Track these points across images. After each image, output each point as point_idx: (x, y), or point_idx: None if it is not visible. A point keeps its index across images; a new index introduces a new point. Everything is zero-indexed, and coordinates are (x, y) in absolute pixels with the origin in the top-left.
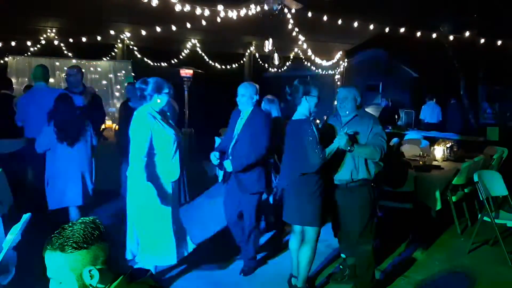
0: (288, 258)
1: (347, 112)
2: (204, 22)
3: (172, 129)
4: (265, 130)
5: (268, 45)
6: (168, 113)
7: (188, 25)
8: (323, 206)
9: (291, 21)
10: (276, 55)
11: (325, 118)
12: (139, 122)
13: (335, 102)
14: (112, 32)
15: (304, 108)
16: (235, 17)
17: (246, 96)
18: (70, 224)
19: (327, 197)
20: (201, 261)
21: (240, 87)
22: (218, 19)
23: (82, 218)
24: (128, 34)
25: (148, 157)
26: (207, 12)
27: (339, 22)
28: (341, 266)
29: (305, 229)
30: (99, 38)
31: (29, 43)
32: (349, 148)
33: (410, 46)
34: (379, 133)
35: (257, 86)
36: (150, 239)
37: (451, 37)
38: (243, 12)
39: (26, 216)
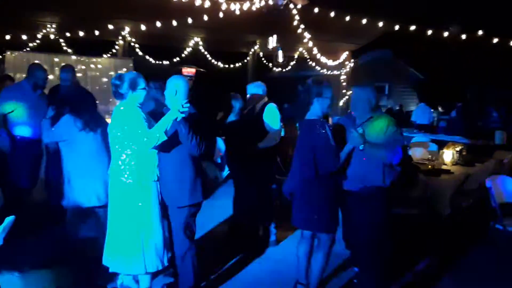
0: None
1: (360, 114)
2: (206, 17)
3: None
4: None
5: (272, 41)
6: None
7: (190, 20)
8: (336, 211)
9: (297, 17)
10: (280, 52)
11: (330, 120)
12: (128, 110)
13: (341, 103)
14: (113, 29)
15: (316, 108)
16: (238, 11)
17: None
18: None
19: (338, 201)
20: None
21: (173, 79)
22: (221, 14)
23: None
24: (129, 30)
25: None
26: (207, 4)
27: (347, 18)
28: (355, 281)
29: (319, 235)
30: (99, 34)
31: (28, 38)
32: (361, 145)
33: (417, 48)
34: (394, 135)
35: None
36: (122, 242)
37: (459, 37)
38: (246, 5)
39: (9, 219)
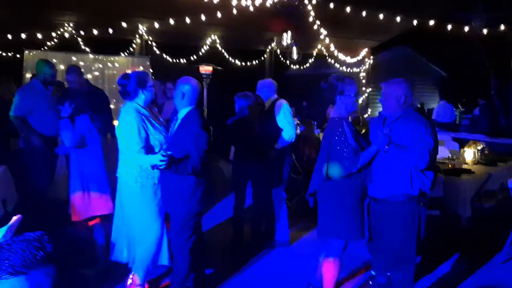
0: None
1: (388, 112)
2: (219, 14)
3: (159, 131)
4: (198, 138)
5: (287, 38)
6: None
7: (203, 17)
8: (354, 218)
9: (312, 13)
10: (294, 48)
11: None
12: (126, 117)
13: (360, 101)
14: (130, 27)
15: (340, 107)
16: (251, 7)
17: (188, 93)
18: (9, 242)
19: (359, 207)
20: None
21: (181, 81)
22: (234, 11)
23: (25, 234)
24: (146, 29)
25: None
26: (220, 0)
27: (363, 14)
28: (370, 282)
29: (329, 240)
30: (117, 33)
31: (45, 37)
32: (385, 147)
33: (439, 44)
34: (421, 137)
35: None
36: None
37: (482, 32)
38: (258, 1)
39: (15, 219)
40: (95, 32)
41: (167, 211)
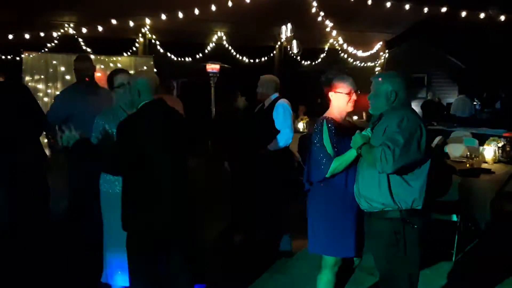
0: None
1: (377, 111)
2: (213, 8)
3: None
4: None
5: (286, 31)
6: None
7: (196, 12)
8: (340, 230)
9: (315, 3)
10: (294, 42)
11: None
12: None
13: None
14: (132, 26)
15: (332, 105)
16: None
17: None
18: None
19: (351, 218)
20: None
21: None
22: (230, 3)
23: None
24: (149, 27)
25: None
26: None
27: (369, 2)
28: None
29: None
30: (119, 32)
31: (45, 39)
32: (358, 149)
33: (457, 36)
34: (390, 136)
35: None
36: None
37: (499, 18)
38: None
39: None
40: (96, 32)
41: None
